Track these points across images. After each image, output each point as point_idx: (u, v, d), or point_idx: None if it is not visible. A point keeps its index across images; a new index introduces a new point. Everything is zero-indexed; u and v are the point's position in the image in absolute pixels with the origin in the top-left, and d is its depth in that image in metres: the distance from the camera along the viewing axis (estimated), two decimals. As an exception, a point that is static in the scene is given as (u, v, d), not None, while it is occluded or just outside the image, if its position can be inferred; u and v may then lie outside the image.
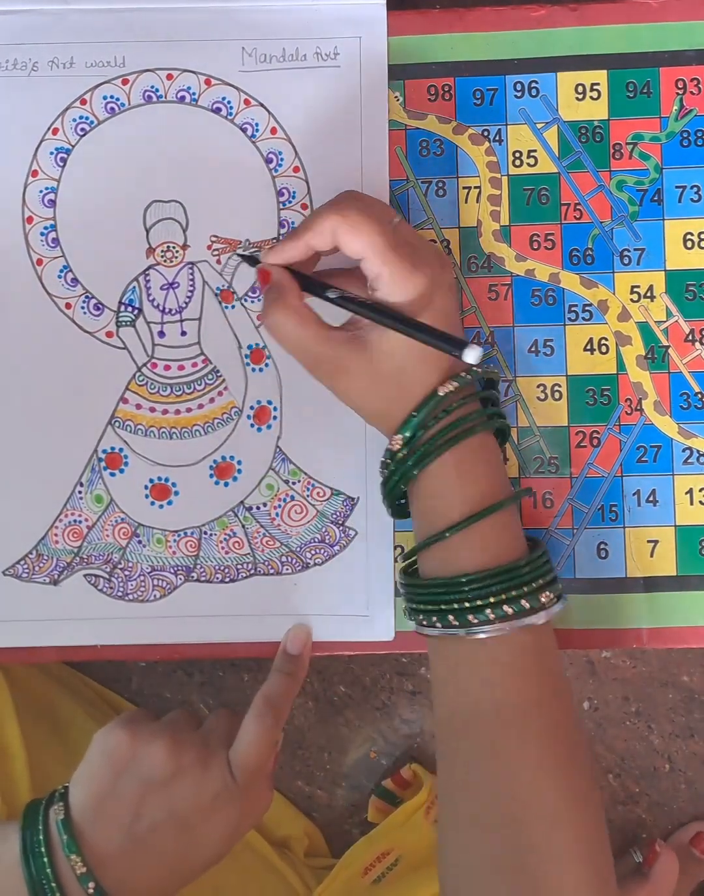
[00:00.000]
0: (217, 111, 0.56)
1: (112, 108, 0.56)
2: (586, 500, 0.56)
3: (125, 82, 0.56)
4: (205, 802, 0.50)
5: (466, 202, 0.56)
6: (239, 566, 0.56)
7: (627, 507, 0.56)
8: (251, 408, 0.56)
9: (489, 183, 0.56)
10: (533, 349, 0.56)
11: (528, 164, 0.56)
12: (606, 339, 0.56)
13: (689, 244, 0.56)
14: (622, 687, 0.80)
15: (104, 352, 0.56)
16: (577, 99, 0.56)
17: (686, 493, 0.56)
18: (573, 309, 0.56)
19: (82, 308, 0.56)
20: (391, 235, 0.47)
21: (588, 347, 0.56)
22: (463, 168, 0.56)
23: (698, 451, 0.56)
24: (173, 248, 0.56)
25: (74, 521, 0.56)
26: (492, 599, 0.46)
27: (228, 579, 0.56)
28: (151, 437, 0.56)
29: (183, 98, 0.56)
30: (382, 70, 0.56)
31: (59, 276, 0.56)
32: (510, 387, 0.56)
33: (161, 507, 0.56)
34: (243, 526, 0.56)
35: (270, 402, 0.56)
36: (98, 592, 0.56)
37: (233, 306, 0.56)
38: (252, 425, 0.56)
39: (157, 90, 0.56)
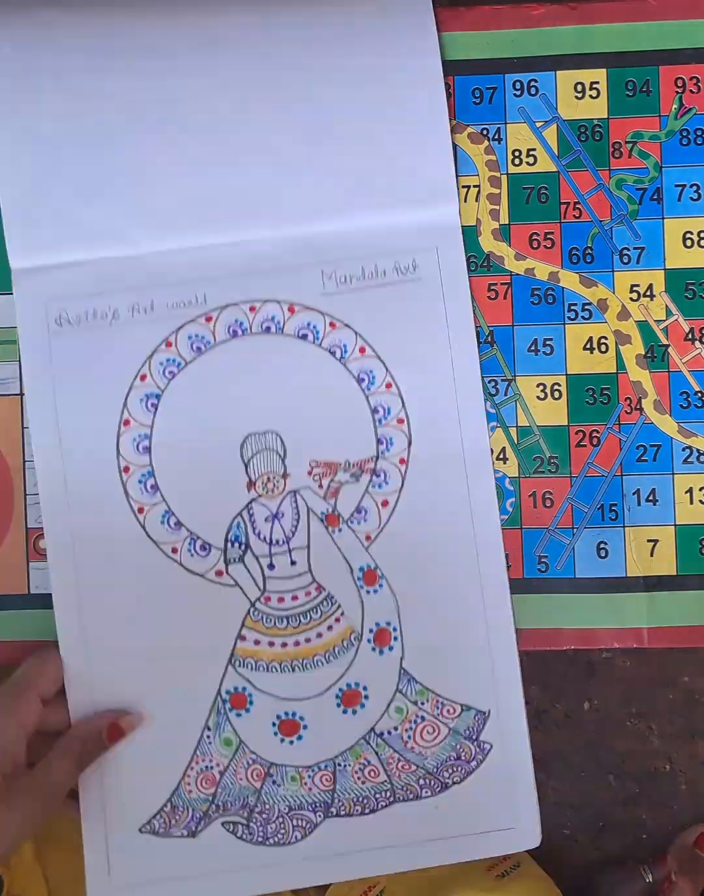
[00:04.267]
0: (304, 337, 0.55)
1: (198, 348, 0.55)
2: (586, 500, 0.56)
3: (209, 319, 0.55)
4: None
5: (465, 201, 0.56)
6: (377, 795, 0.55)
7: (627, 506, 0.56)
8: (371, 631, 0.55)
9: (488, 182, 0.56)
10: (533, 348, 0.56)
11: (527, 163, 0.56)
12: (605, 338, 0.56)
13: (688, 243, 0.56)
14: (622, 687, 0.80)
15: (216, 591, 0.55)
16: (576, 97, 0.56)
17: (686, 492, 0.56)
18: (572, 308, 0.56)
19: (189, 550, 0.55)
20: None
21: (588, 346, 0.56)
22: (462, 167, 0.56)
23: (698, 450, 0.55)
24: (274, 478, 0.55)
25: (206, 767, 0.55)
26: None
27: (368, 810, 0.55)
28: (274, 672, 0.55)
29: (268, 328, 0.55)
30: (462, 277, 0.55)
31: (163, 522, 0.55)
32: (509, 386, 0.56)
33: (291, 743, 0.55)
34: (377, 753, 0.55)
35: (389, 623, 0.55)
36: (238, 840, 0.54)
37: (339, 530, 0.55)
38: (374, 649, 0.55)
39: (242, 323, 0.55)
